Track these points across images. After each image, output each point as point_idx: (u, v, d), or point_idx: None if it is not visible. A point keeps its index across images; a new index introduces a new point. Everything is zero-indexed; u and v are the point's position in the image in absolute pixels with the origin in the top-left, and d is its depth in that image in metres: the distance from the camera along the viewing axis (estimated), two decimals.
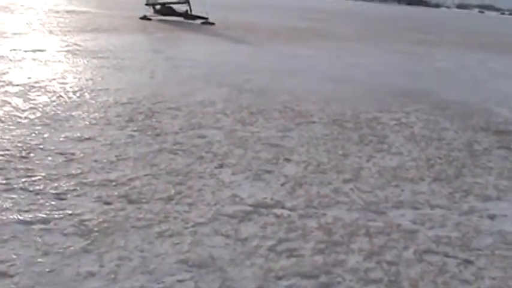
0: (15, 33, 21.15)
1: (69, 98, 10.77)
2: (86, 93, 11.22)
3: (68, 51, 17.11)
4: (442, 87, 15.88)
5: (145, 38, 23.09)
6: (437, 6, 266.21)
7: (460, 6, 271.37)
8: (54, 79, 12.52)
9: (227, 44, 22.95)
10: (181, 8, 33.58)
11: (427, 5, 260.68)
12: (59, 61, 15.14)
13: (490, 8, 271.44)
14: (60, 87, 11.65)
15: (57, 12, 35.21)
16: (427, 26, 61.24)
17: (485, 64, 23.99)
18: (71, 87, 11.70)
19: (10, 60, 14.71)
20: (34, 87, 11.52)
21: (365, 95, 13.71)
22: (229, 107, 10.96)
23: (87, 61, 15.33)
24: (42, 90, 11.30)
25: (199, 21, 32.64)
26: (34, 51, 16.55)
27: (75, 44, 18.84)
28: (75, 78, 12.85)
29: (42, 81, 12.20)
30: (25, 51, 16.46)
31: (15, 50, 16.58)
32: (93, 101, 10.58)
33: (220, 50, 20.60)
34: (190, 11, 33.31)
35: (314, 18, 50.39)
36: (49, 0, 50.81)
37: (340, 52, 22.99)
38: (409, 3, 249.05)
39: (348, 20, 55.03)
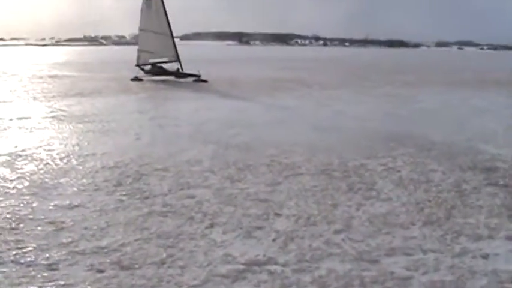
0: None
1: (57, 165, 10.79)
2: (73, 159, 11.24)
3: (53, 117, 17.18)
4: (427, 128, 15.97)
5: (129, 99, 23.20)
6: (416, 46, 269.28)
7: (440, 44, 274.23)
8: (40, 146, 12.55)
9: (211, 100, 23.07)
10: (172, 66, 33.58)
11: (407, 45, 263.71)
12: (45, 127, 15.19)
13: (469, 44, 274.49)
14: (47, 155, 11.67)
15: (41, 77, 35.42)
16: (408, 66, 61.94)
17: (468, 101, 24.21)
18: (57, 154, 11.72)
19: None
20: (21, 155, 11.54)
21: (351, 142, 13.76)
22: (217, 164, 11.00)
23: (73, 126, 15.38)
24: (29, 158, 11.32)
25: (190, 79, 32.56)
26: (19, 118, 16.61)
27: (60, 110, 18.92)
28: (61, 144, 12.88)
29: (29, 149, 12.23)
30: (10, 119, 16.52)
31: (0, 118, 16.64)
32: (81, 167, 10.59)
33: (204, 106, 20.70)
34: (182, 69, 33.32)
35: (296, 68, 50.87)
36: (32, 66, 51.27)
37: (324, 100, 23.17)
38: (389, 46, 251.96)
39: (330, 67, 55.59)
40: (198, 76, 32.47)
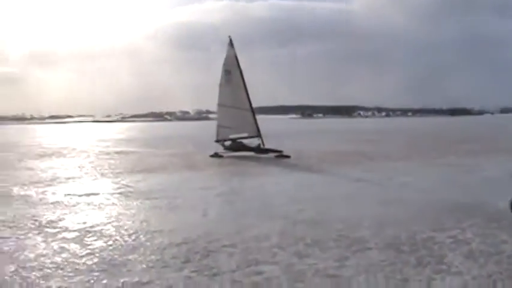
0: (68, 178, 21.79)
1: (125, 241, 10.90)
2: (141, 236, 11.34)
3: (120, 193, 17.49)
4: (494, 198, 15.46)
5: (195, 175, 23.35)
6: (480, 113, 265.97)
7: (504, 111, 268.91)
8: (109, 222, 12.74)
9: (276, 174, 23.07)
10: (253, 142, 32.77)
11: (470, 113, 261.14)
12: (113, 204, 15.45)
13: None
14: (116, 231, 11.83)
15: (108, 154, 36.25)
16: (472, 135, 61.17)
17: None
18: (126, 230, 11.86)
19: (65, 205, 15.10)
20: (90, 232, 11.73)
21: (418, 214, 13.51)
22: (284, 240, 10.89)
23: (140, 202, 15.59)
24: (98, 234, 11.50)
25: (272, 154, 31.62)
26: (88, 195, 16.96)
27: (127, 186, 19.24)
28: (129, 220, 13.04)
29: (98, 225, 12.43)
30: (79, 195, 16.88)
31: (69, 195, 17.04)
32: (149, 243, 10.67)
33: (270, 181, 20.73)
34: (263, 144, 32.49)
35: (359, 140, 50.73)
36: (99, 142, 52.58)
37: (388, 173, 22.89)
38: (451, 114, 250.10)
39: (393, 139, 55.23)
40: (280, 151, 31.46)
